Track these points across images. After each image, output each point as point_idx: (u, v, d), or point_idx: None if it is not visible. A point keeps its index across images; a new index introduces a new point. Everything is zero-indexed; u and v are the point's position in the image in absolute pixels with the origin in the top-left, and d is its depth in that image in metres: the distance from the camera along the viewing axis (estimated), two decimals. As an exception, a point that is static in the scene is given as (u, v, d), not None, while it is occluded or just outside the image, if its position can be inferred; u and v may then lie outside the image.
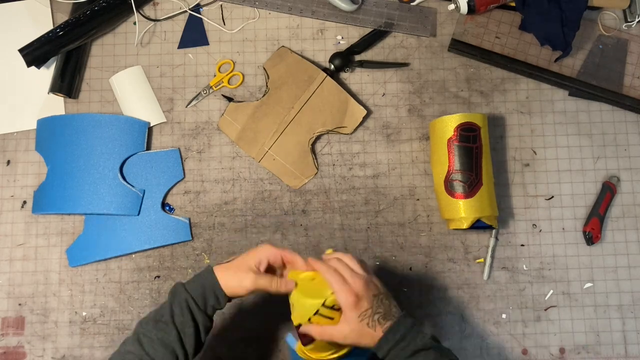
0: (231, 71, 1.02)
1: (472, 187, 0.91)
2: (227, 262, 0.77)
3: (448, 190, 0.93)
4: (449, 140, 0.93)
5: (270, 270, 0.78)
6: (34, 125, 1.01)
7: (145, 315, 0.76)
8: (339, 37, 1.04)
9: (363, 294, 0.71)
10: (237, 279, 0.75)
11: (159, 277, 0.97)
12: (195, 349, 0.74)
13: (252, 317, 0.95)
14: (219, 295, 0.75)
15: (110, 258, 0.97)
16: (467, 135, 0.92)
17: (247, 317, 0.95)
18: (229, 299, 0.76)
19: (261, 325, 0.95)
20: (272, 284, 0.75)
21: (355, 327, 0.71)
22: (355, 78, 1.03)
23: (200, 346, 0.76)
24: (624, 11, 1.04)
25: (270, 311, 0.95)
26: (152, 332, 0.72)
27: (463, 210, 0.91)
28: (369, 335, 0.71)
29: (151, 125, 1.01)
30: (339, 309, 0.72)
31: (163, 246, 0.97)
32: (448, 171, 0.93)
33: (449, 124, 0.93)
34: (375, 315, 0.71)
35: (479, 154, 0.92)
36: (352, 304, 0.70)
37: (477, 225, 0.91)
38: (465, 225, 0.91)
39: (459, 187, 0.92)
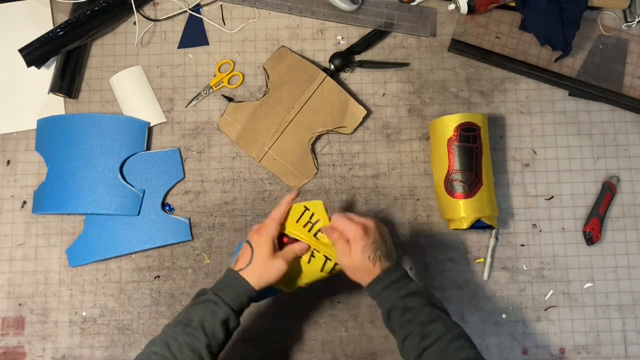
0: (231, 71, 1.02)
1: (472, 187, 0.91)
2: (246, 265, 0.78)
3: (448, 190, 0.93)
4: (449, 140, 0.93)
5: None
6: (34, 125, 1.01)
7: (173, 318, 0.77)
8: (339, 37, 1.04)
9: (371, 229, 0.77)
10: (272, 271, 0.78)
11: (159, 277, 0.97)
12: (221, 350, 0.76)
13: (252, 317, 0.95)
14: (253, 298, 0.78)
15: (110, 258, 0.97)
16: (467, 135, 0.92)
17: (248, 317, 0.95)
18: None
19: (261, 325, 0.95)
20: (295, 251, 0.80)
21: (358, 257, 0.75)
22: (355, 78, 1.03)
23: (226, 344, 0.77)
24: (624, 11, 1.04)
25: (270, 311, 0.95)
26: (180, 336, 0.73)
27: (463, 210, 0.91)
28: (367, 269, 0.76)
29: (151, 125, 1.01)
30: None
31: (163, 246, 0.97)
32: (448, 171, 0.93)
33: (449, 124, 0.93)
34: (377, 251, 0.76)
35: (479, 154, 0.92)
36: (360, 234, 0.76)
37: (477, 225, 0.91)
38: (465, 225, 0.91)
39: (459, 187, 0.92)
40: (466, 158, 0.92)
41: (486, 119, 0.95)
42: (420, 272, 0.97)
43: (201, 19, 1.04)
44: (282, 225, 0.82)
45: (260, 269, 0.78)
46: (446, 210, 0.94)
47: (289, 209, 0.82)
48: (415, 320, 0.72)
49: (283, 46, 1.02)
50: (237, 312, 0.76)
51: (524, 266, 0.97)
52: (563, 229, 0.98)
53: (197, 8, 1.05)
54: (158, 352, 0.72)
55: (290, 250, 0.80)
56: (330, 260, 0.80)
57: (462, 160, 0.92)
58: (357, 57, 1.02)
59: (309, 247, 0.81)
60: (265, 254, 0.78)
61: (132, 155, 0.99)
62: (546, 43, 1.00)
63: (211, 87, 1.02)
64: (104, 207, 0.96)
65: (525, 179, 1.00)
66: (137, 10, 1.03)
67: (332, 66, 1.01)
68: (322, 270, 0.80)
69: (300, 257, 0.81)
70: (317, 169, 0.99)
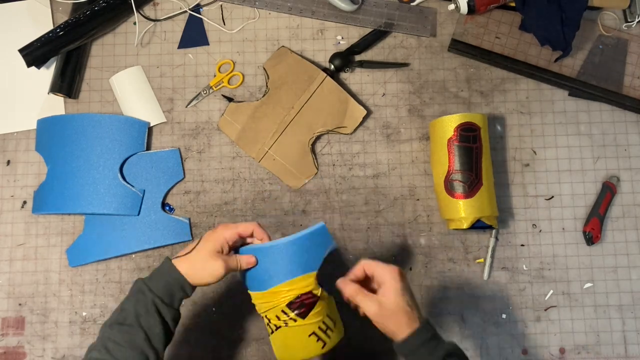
0: (231, 71, 1.02)
1: (472, 187, 0.91)
2: (186, 253, 0.74)
3: (448, 190, 0.93)
4: (449, 140, 0.93)
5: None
6: (34, 125, 1.01)
7: (107, 319, 0.73)
8: (339, 37, 1.04)
9: (403, 273, 0.73)
10: (207, 270, 0.73)
11: (159, 277, 0.97)
12: (165, 343, 0.72)
13: (252, 317, 0.95)
14: (186, 289, 0.73)
15: (110, 258, 0.97)
16: (467, 135, 0.92)
17: (247, 317, 0.95)
18: (194, 288, 0.75)
19: (261, 325, 0.95)
20: (241, 264, 0.75)
21: (396, 300, 0.70)
22: (355, 78, 1.03)
23: (170, 338, 0.74)
24: (624, 11, 1.04)
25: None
26: (117, 336, 0.70)
27: (463, 210, 0.91)
28: (406, 315, 0.69)
29: (151, 125, 1.01)
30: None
31: (163, 246, 0.97)
32: (448, 171, 0.93)
33: (449, 124, 0.93)
34: (414, 297, 0.72)
35: (479, 154, 0.92)
36: (397, 275, 0.71)
37: (477, 225, 0.91)
38: (465, 225, 0.91)
39: (459, 187, 0.92)
40: (466, 158, 0.92)
41: (486, 119, 0.95)
42: (421, 273, 0.97)
43: (201, 19, 1.04)
44: (241, 240, 0.77)
45: (196, 262, 0.73)
46: (446, 210, 0.94)
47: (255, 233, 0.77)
48: None
49: (283, 46, 1.02)
50: (167, 303, 0.71)
51: (524, 266, 0.97)
52: (563, 229, 0.98)
53: (197, 8, 1.05)
54: (98, 357, 0.69)
55: (236, 259, 0.75)
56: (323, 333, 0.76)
57: (462, 160, 0.92)
58: (357, 57, 1.02)
59: (256, 260, 0.75)
60: (208, 251, 0.73)
61: (132, 155, 0.99)
62: (546, 43, 1.00)
63: (211, 87, 1.02)
64: (104, 207, 0.96)
65: (525, 179, 1.00)
66: (137, 10, 1.03)
67: (332, 66, 1.01)
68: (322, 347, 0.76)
69: (240, 269, 0.76)
70: (317, 169, 0.99)
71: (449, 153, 0.92)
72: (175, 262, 0.73)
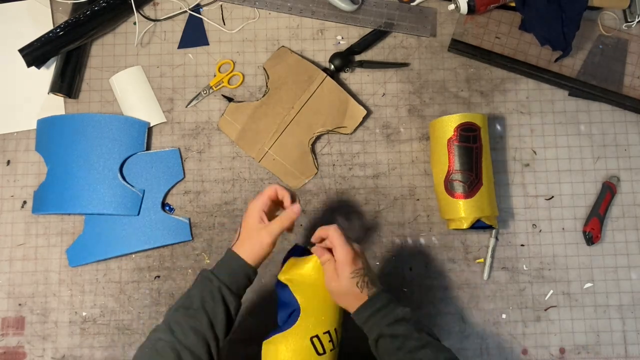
0: (231, 71, 1.02)
1: (472, 187, 0.91)
2: (236, 240, 0.79)
3: (448, 190, 0.93)
4: (449, 140, 0.93)
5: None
6: (34, 125, 1.01)
7: (174, 303, 0.77)
8: (339, 37, 1.04)
9: (360, 254, 0.76)
10: (256, 244, 0.77)
11: (159, 277, 0.97)
12: (226, 332, 0.75)
13: (252, 317, 0.95)
14: (249, 274, 0.77)
15: (110, 258, 0.97)
16: (467, 135, 0.92)
17: (247, 317, 0.95)
18: (256, 271, 0.79)
19: (261, 325, 0.95)
20: (283, 223, 0.77)
21: (346, 283, 0.74)
22: (355, 78, 1.03)
23: (231, 327, 0.77)
24: (624, 11, 1.04)
25: (270, 311, 0.95)
26: (182, 320, 0.73)
27: (463, 210, 0.91)
28: (354, 295, 0.74)
29: (151, 125, 1.01)
30: None
31: (163, 246, 0.97)
32: (448, 171, 0.93)
33: (449, 124, 0.93)
34: (365, 277, 0.75)
35: (479, 154, 0.92)
36: (350, 259, 0.74)
37: (477, 225, 0.91)
38: (465, 225, 0.91)
39: (459, 187, 0.92)
40: (466, 158, 0.92)
41: (486, 119, 0.95)
42: (421, 273, 0.97)
43: (201, 19, 1.04)
44: (274, 203, 0.80)
45: (247, 241, 0.77)
46: (446, 210, 0.94)
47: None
48: (404, 348, 0.70)
49: (283, 46, 1.02)
50: (233, 290, 0.75)
51: (524, 266, 0.97)
52: (563, 229, 0.98)
53: (197, 8, 1.05)
54: (163, 338, 0.72)
55: (278, 223, 0.77)
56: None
57: (462, 160, 0.92)
58: (357, 57, 1.02)
59: (295, 216, 0.78)
60: (250, 226, 0.77)
61: (132, 155, 0.99)
62: (546, 43, 1.00)
63: (211, 87, 1.02)
64: (104, 207, 0.96)
65: (525, 179, 1.00)
66: (137, 10, 1.03)
67: (332, 66, 1.01)
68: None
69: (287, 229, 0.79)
70: (317, 169, 0.99)
71: (449, 153, 0.92)
72: (233, 249, 0.78)
